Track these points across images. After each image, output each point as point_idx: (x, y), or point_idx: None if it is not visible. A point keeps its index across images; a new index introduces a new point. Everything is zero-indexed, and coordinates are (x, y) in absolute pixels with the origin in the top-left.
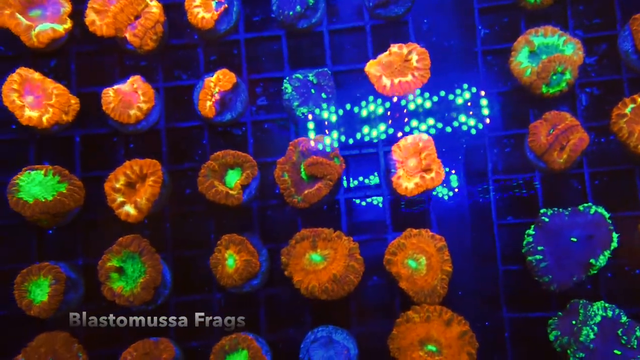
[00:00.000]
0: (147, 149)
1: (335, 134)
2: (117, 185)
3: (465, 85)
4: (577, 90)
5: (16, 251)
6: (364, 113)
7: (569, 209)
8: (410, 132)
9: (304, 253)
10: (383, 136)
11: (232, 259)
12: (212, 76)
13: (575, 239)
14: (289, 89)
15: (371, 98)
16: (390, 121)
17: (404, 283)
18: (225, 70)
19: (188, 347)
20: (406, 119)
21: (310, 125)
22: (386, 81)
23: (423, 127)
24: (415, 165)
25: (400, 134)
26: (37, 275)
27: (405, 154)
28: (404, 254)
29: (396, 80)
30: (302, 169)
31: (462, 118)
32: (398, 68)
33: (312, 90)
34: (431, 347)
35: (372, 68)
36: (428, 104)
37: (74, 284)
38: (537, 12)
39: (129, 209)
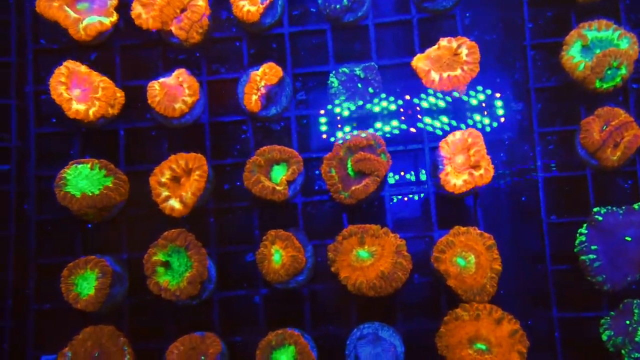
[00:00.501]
0: (186, 143)
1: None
2: (163, 180)
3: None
4: (629, 85)
5: (61, 245)
6: (407, 108)
7: (623, 207)
8: (456, 128)
9: (351, 249)
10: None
11: (278, 255)
12: (257, 70)
13: (629, 238)
14: (335, 83)
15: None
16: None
17: (453, 281)
18: (272, 63)
19: (232, 341)
20: (420, 117)
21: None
22: (435, 75)
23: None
24: (464, 162)
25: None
26: (84, 269)
27: (453, 150)
28: (453, 251)
29: (445, 75)
30: (349, 165)
31: (501, 112)
32: (447, 62)
33: (359, 85)
34: (480, 346)
35: (420, 62)
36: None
37: (119, 278)
38: (587, 5)
39: (174, 203)
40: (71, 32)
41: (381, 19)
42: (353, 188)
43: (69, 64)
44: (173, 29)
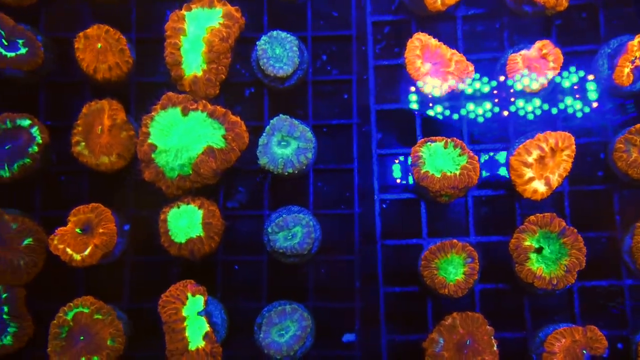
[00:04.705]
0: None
1: None
2: (529, 160)
3: None
4: None
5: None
6: None
7: None
8: None
9: None
10: None
11: None
12: (632, 39)
13: None
14: None
15: None
16: None
17: None
18: None
19: None
20: None
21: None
22: None
23: None
24: None
25: None
26: (449, 252)
27: None
28: None
29: None
30: None
31: None
32: None
33: None
34: None
35: None
36: None
37: None
38: None
39: (538, 185)
40: (427, 2)
41: None
42: None
43: (421, 36)
44: None
